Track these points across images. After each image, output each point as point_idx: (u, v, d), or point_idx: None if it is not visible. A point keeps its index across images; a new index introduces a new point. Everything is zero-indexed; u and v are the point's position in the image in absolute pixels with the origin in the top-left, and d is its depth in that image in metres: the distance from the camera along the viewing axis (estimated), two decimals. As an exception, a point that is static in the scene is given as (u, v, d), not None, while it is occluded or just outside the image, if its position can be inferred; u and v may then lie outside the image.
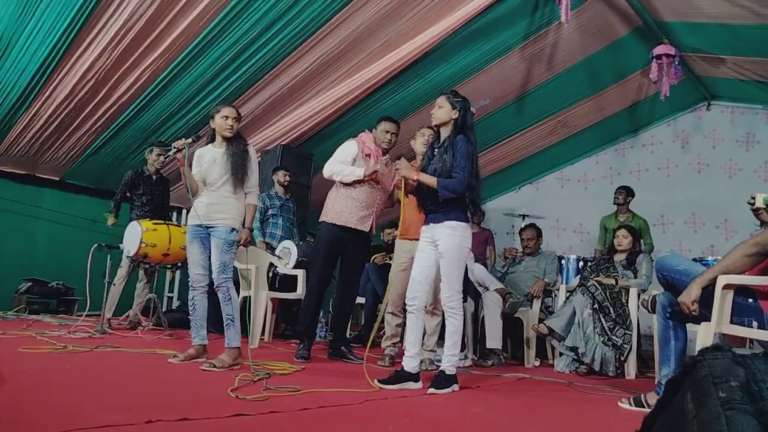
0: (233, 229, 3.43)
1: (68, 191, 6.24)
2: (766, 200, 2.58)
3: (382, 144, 4.05)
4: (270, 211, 5.53)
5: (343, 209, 3.96)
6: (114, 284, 5.02)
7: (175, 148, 3.39)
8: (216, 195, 3.45)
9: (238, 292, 3.54)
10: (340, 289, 4.22)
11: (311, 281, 4.13)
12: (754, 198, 2.62)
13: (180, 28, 4.46)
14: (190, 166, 3.49)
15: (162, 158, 5.23)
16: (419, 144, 3.94)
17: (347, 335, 4.40)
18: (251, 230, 3.58)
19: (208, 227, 3.44)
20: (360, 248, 4.11)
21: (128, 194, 5.33)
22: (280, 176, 5.63)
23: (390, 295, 4.02)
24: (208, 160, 3.48)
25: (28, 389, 2.32)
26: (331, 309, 5.08)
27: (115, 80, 4.87)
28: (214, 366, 3.18)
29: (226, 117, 3.47)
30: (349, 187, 3.97)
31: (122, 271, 5.14)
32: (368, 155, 4.00)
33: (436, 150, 3.22)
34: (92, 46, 4.49)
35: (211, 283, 3.53)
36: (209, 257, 3.48)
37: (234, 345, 3.35)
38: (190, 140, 3.43)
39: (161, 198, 5.50)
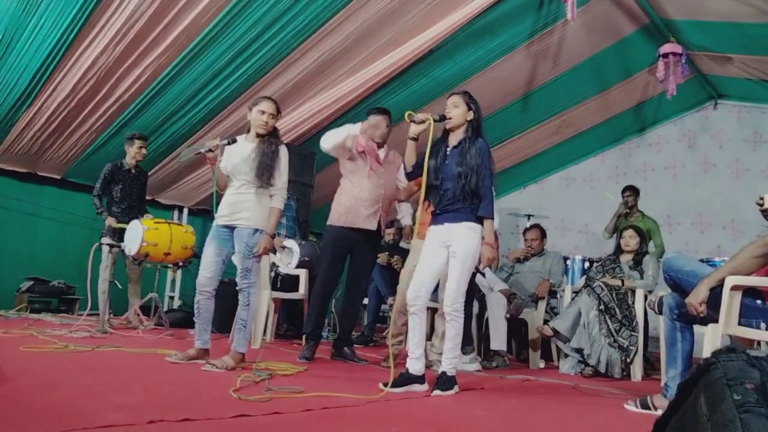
0: (256, 231, 3.30)
1: (70, 189, 6.22)
2: None
3: (374, 139, 3.96)
4: None
5: (348, 210, 3.90)
6: (117, 283, 4.96)
7: (209, 148, 3.30)
8: (239, 194, 3.34)
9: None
10: (346, 290, 4.15)
11: (317, 284, 4.07)
12: (762, 198, 2.59)
13: (181, 26, 4.43)
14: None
15: (143, 149, 5.20)
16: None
17: (351, 336, 4.33)
18: (273, 236, 3.37)
19: (232, 228, 3.36)
20: (369, 247, 4.03)
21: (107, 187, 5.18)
22: None
23: (400, 293, 3.96)
24: (237, 154, 3.35)
25: (30, 388, 2.30)
26: (332, 309, 5.05)
27: (117, 78, 4.85)
28: (215, 367, 3.15)
29: (262, 112, 3.33)
30: (352, 186, 3.92)
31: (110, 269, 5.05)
32: (362, 152, 3.93)
33: (449, 149, 3.16)
34: (94, 45, 4.47)
35: (220, 285, 3.49)
36: (223, 261, 3.40)
37: (240, 350, 3.29)
38: (225, 142, 3.32)
39: (139, 193, 5.37)
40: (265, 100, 3.41)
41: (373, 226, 3.92)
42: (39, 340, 3.69)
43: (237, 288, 3.34)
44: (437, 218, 3.15)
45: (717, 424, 1.03)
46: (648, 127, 7.65)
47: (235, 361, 3.24)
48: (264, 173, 3.28)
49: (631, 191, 5.96)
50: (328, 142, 3.87)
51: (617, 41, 5.88)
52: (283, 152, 3.41)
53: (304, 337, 4.07)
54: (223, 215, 3.36)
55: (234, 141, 3.35)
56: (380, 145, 4.00)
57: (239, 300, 3.33)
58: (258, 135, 3.38)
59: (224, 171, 3.39)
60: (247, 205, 3.32)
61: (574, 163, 8.22)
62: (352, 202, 3.89)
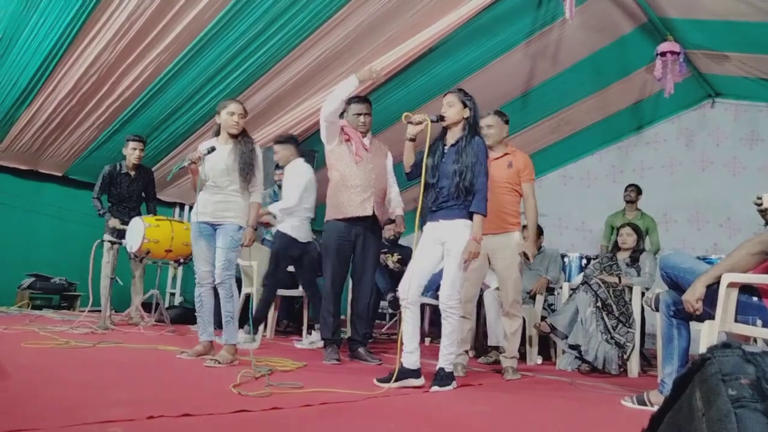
0: (241, 227, 3.44)
1: (71, 187, 6.24)
2: None
3: (358, 128, 3.94)
4: None
5: (341, 201, 3.85)
6: (118, 279, 4.95)
7: (190, 160, 3.36)
8: (223, 194, 3.44)
9: (239, 290, 3.53)
10: (354, 286, 4.06)
11: (325, 284, 3.96)
12: (761, 198, 2.60)
13: (184, 22, 4.44)
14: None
15: (138, 151, 5.19)
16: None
17: (365, 335, 4.11)
18: (255, 229, 3.57)
19: (215, 225, 3.44)
20: (370, 237, 3.93)
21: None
22: (276, 176, 5.55)
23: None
24: (219, 160, 3.42)
25: (31, 384, 2.32)
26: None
27: (119, 75, 4.87)
28: (218, 362, 3.19)
29: (232, 113, 3.44)
30: (341, 176, 3.87)
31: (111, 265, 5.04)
32: (348, 140, 3.91)
33: (446, 148, 3.18)
34: (95, 41, 4.48)
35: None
36: (213, 254, 3.45)
37: (232, 342, 3.37)
38: (205, 152, 3.38)
39: (139, 194, 5.33)
40: (232, 102, 3.52)
41: (368, 212, 3.84)
42: (40, 336, 3.71)
43: (217, 282, 3.40)
44: (433, 215, 3.17)
45: (712, 419, 1.03)
46: (645, 126, 7.65)
47: (230, 353, 3.31)
48: (248, 173, 3.43)
49: (634, 187, 5.97)
50: (331, 103, 3.76)
51: (615, 40, 5.89)
52: (258, 150, 3.57)
53: (323, 342, 3.98)
54: (205, 212, 3.42)
55: (213, 149, 3.42)
56: (364, 134, 3.97)
57: (221, 294, 3.41)
58: (231, 136, 3.48)
59: (205, 178, 3.44)
60: (234, 205, 3.45)
61: (571, 161, 8.23)
62: (343, 191, 3.85)
